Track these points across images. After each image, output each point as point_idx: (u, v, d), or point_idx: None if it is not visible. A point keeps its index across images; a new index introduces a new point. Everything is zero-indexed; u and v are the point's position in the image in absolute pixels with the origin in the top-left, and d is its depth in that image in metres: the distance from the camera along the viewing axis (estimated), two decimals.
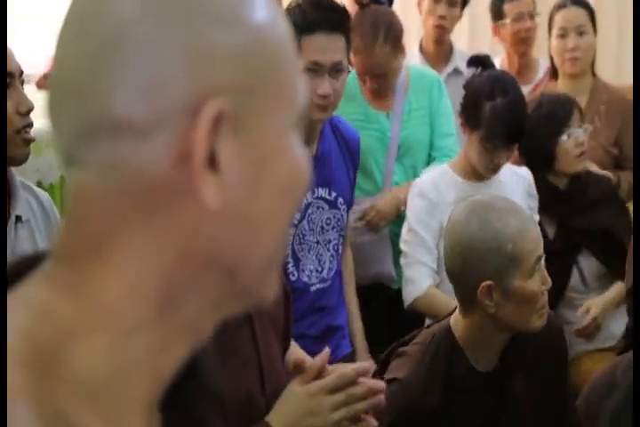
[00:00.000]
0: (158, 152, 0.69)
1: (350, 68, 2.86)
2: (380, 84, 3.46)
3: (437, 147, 3.52)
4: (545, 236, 3.12)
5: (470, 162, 3.06)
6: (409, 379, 2.11)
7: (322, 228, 2.83)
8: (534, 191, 3.20)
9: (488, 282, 2.08)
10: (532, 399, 2.20)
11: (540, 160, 3.37)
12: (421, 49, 4.19)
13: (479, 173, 3.07)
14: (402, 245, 3.08)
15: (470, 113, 2.97)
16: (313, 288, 2.81)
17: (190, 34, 0.70)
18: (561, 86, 3.88)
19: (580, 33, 3.81)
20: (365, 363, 1.79)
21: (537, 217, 3.15)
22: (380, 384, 1.74)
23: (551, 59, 3.94)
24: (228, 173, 0.70)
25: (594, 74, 3.93)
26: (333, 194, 2.87)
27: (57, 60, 0.74)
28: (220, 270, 0.71)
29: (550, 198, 3.28)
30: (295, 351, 1.88)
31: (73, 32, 0.73)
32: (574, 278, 3.31)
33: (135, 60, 0.69)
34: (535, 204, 3.18)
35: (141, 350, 0.71)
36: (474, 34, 4.97)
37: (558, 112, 3.37)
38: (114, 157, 0.70)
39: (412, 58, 4.09)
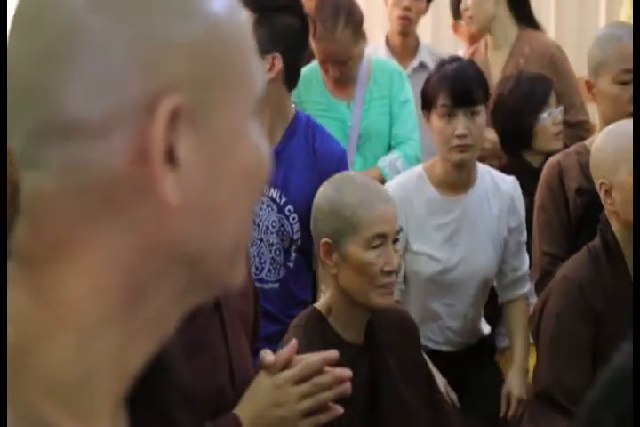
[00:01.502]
0: (116, 150, 0.69)
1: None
2: (342, 71, 3.50)
3: (395, 135, 3.57)
4: None
5: (442, 166, 2.93)
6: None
7: (267, 227, 2.80)
8: (519, 206, 3.05)
9: (326, 239, 2.24)
10: (401, 378, 2.30)
11: (519, 138, 3.42)
12: (387, 43, 4.24)
13: (454, 181, 2.94)
14: None
15: (426, 98, 2.94)
16: None
17: (143, 28, 0.69)
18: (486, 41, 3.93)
19: None
20: (332, 351, 1.84)
21: (523, 237, 3.06)
22: (347, 373, 1.81)
23: None
24: (188, 167, 0.70)
25: (534, 26, 3.93)
26: (283, 199, 2.80)
27: (9, 56, 0.73)
28: (184, 262, 0.72)
29: (525, 176, 3.26)
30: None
31: (24, 28, 0.72)
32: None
33: (87, 57, 0.68)
34: (517, 221, 3.03)
35: (108, 348, 0.71)
36: (437, 28, 5.05)
37: (537, 91, 3.41)
38: (70, 158, 0.69)
39: (379, 52, 4.15)
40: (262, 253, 2.80)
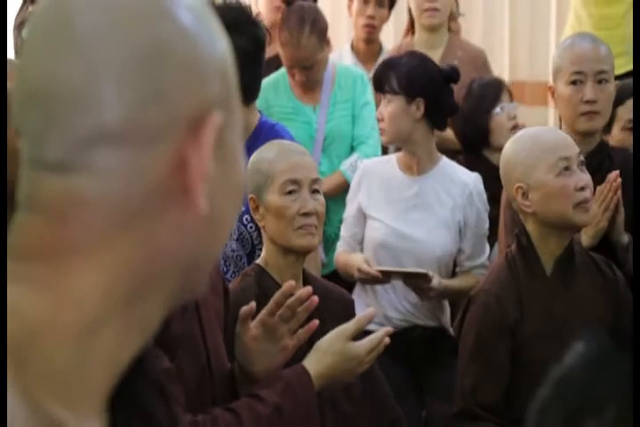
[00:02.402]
0: (158, 160, 0.72)
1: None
2: (308, 76, 3.66)
3: (355, 135, 3.73)
4: None
5: (407, 153, 3.24)
6: None
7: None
8: (478, 200, 3.22)
9: (251, 195, 2.44)
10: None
11: (476, 135, 3.59)
12: (353, 49, 4.41)
13: (419, 163, 3.23)
14: None
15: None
16: None
17: (193, 47, 0.74)
18: (418, 40, 4.11)
19: None
20: (370, 310, 2.17)
21: (481, 230, 3.23)
22: (307, 290, 2.04)
23: (409, 11, 4.18)
24: (212, 181, 0.74)
25: (450, 30, 4.16)
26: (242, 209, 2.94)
27: (37, 70, 0.75)
28: (183, 268, 0.76)
29: (484, 173, 3.42)
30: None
31: (64, 41, 0.74)
32: (494, 255, 3.41)
33: (140, 73, 0.72)
34: (475, 215, 3.21)
35: (105, 344, 0.73)
36: (398, 34, 5.20)
37: (489, 91, 3.61)
38: (117, 164, 0.72)
39: (345, 58, 4.32)
40: (227, 257, 2.91)
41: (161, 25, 0.74)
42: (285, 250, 2.41)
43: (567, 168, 2.56)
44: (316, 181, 2.44)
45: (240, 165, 0.79)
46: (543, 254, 2.62)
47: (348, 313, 2.48)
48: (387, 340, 2.08)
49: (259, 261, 2.46)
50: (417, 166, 3.23)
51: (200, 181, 0.73)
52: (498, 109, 3.57)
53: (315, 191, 2.44)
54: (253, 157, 2.46)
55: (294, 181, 2.40)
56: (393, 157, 3.31)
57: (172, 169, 0.73)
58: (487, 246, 3.26)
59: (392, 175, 3.25)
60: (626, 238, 2.96)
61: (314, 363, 2.02)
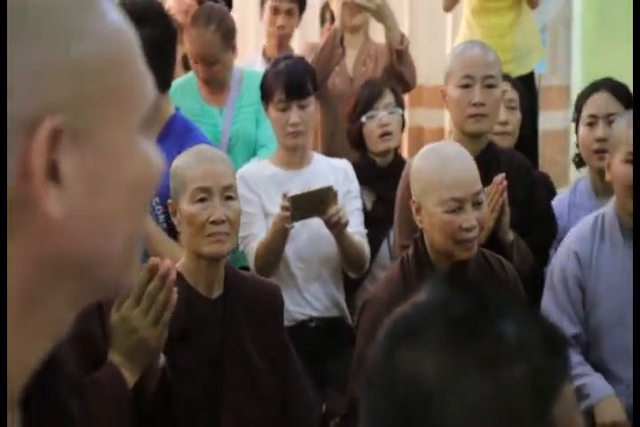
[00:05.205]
0: (10, 167, 0.71)
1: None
2: (212, 74, 3.81)
3: (258, 138, 3.85)
4: (364, 208, 3.51)
5: (281, 150, 3.42)
6: None
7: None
8: (352, 178, 3.46)
9: (170, 200, 2.51)
10: (254, 342, 2.50)
11: (353, 141, 3.71)
12: (264, 55, 4.52)
13: (293, 159, 3.41)
14: None
15: (264, 92, 3.42)
16: None
17: (32, 50, 0.71)
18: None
19: None
20: (154, 259, 2.15)
21: (357, 203, 3.45)
22: (166, 264, 2.10)
23: (322, 13, 4.40)
24: (72, 183, 0.72)
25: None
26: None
27: None
28: (75, 269, 0.75)
29: (369, 174, 3.58)
30: None
31: None
32: (382, 253, 3.56)
33: None
34: (354, 186, 3.45)
35: (9, 347, 0.73)
36: (304, 36, 5.34)
37: (363, 96, 3.70)
38: None
39: (256, 64, 4.43)
40: None
41: None
42: (198, 256, 2.46)
43: (459, 207, 2.57)
44: (229, 188, 2.48)
45: (137, 161, 0.77)
46: (438, 257, 2.65)
47: (277, 303, 2.57)
48: (165, 267, 2.10)
49: (178, 264, 2.51)
50: (300, 160, 3.41)
51: (43, 188, 0.71)
52: (364, 119, 3.64)
53: (228, 198, 2.48)
54: (174, 161, 2.53)
55: (204, 189, 2.45)
56: (265, 161, 3.45)
57: (19, 175, 0.71)
58: (361, 220, 3.43)
59: (272, 173, 3.37)
60: (511, 236, 3.12)
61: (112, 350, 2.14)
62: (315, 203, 3.16)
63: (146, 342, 2.12)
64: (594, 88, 3.47)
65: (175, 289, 2.12)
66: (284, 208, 3.13)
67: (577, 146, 3.53)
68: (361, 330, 2.65)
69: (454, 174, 2.58)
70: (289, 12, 4.42)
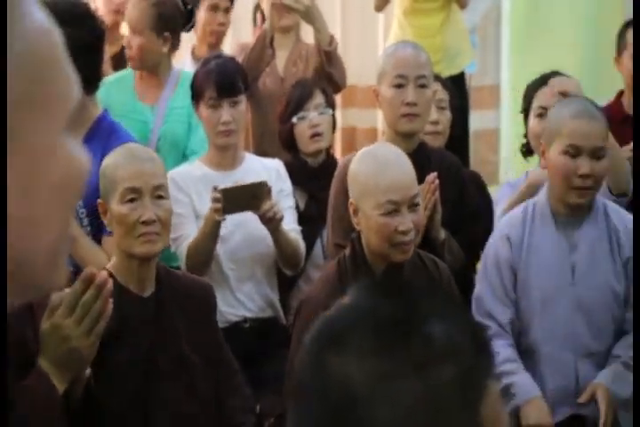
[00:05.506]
0: None
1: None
2: (143, 65, 3.82)
3: (190, 145, 3.81)
4: (297, 208, 3.51)
5: (212, 150, 3.40)
6: None
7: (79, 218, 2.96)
8: (285, 177, 3.45)
9: (100, 200, 2.51)
10: (188, 340, 2.50)
11: (285, 141, 3.70)
12: (194, 55, 4.52)
13: (225, 159, 3.40)
14: None
15: (195, 91, 3.42)
16: None
17: None
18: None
19: None
20: (89, 268, 2.12)
21: (290, 201, 3.44)
22: (103, 274, 2.08)
23: (255, 13, 4.41)
24: (16, 184, 0.72)
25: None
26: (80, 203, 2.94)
27: None
28: (8, 266, 0.75)
29: (301, 174, 3.59)
30: None
31: None
32: (316, 253, 3.57)
33: None
34: (287, 185, 3.45)
35: None
36: (236, 36, 5.33)
37: (294, 96, 3.70)
38: None
39: (186, 64, 4.42)
40: None
41: None
42: (129, 256, 2.46)
43: (395, 210, 2.58)
44: (159, 187, 2.47)
45: (62, 162, 0.76)
46: (375, 259, 2.66)
47: (210, 300, 2.58)
48: (102, 277, 2.08)
49: (109, 264, 2.50)
50: (232, 160, 3.41)
51: None
52: (294, 119, 3.64)
53: (159, 197, 2.47)
54: (104, 160, 2.51)
55: (134, 190, 2.44)
56: (196, 162, 3.43)
57: None
58: (294, 218, 3.44)
59: (203, 174, 3.35)
60: (443, 235, 3.15)
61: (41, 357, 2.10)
62: (247, 197, 3.14)
63: (77, 352, 2.09)
64: (542, 81, 3.53)
65: (110, 300, 2.09)
66: (215, 200, 3.10)
67: (525, 136, 3.60)
68: (296, 330, 2.65)
69: (391, 178, 2.59)
70: (227, 10, 4.43)
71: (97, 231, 2.89)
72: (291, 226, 3.37)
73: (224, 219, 3.14)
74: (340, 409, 0.88)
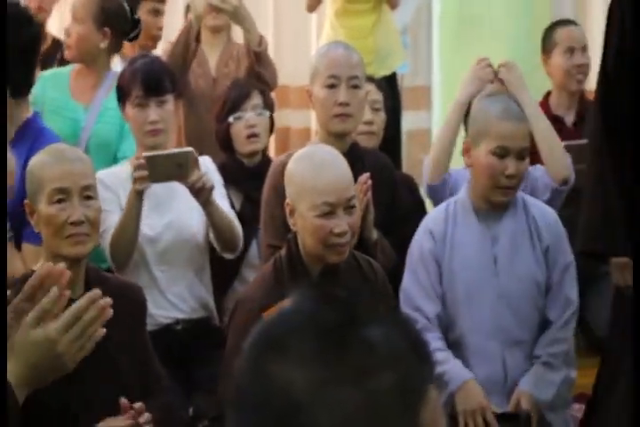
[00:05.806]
0: None
1: None
2: (79, 55, 3.79)
3: (122, 149, 3.76)
4: (233, 208, 3.48)
5: (141, 149, 3.32)
6: None
7: None
8: (213, 170, 3.39)
9: (27, 201, 2.48)
10: (115, 337, 2.40)
11: (221, 141, 3.68)
12: (122, 57, 4.48)
13: None
14: None
15: (121, 91, 3.38)
16: None
17: None
18: (204, 41, 4.21)
19: None
20: (95, 290, 1.99)
21: (222, 191, 3.40)
22: (107, 300, 1.96)
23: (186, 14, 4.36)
24: None
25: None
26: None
27: None
28: None
29: (237, 174, 3.59)
30: None
31: None
32: (252, 253, 3.56)
33: None
34: (217, 178, 3.38)
35: None
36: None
37: (231, 96, 3.68)
38: None
39: (118, 66, 4.37)
40: None
41: None
42: (57, 257, 2.42)
43: (330, 212, 2.59)
44: (88, 187, 2.45)
45: None
46: (311, 260, 2.67)
47: (140, 302, 2.58)
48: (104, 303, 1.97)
49: (36, 266, 2.47)
50: None
51: None
52: (231, 119, 3.64)
53: (87, 198, 2.46)
54: (31, 161, 2.48)
55: (62, 190, 2.42)
56: (126, 163, 3.36)
57: None
58: (229, 206, 3.42)
59: (130, 175, 3.24)
60: (375, 235, 3.17)
61: (10, 365, 1.94)
62: (173, 166, 3.07)
63: (64, 366, 2.01)
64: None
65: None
66: (138, 167, 3.05)
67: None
68: (232, 330, 2.65)
69: (328, 180, 2.61)
70: (163, 14, 4.47)
71: (19, 237, 2.85)
72: (226, 210, 3.32)
73: (148, 186, 3.08)
74: (283, 416, 0.88)
